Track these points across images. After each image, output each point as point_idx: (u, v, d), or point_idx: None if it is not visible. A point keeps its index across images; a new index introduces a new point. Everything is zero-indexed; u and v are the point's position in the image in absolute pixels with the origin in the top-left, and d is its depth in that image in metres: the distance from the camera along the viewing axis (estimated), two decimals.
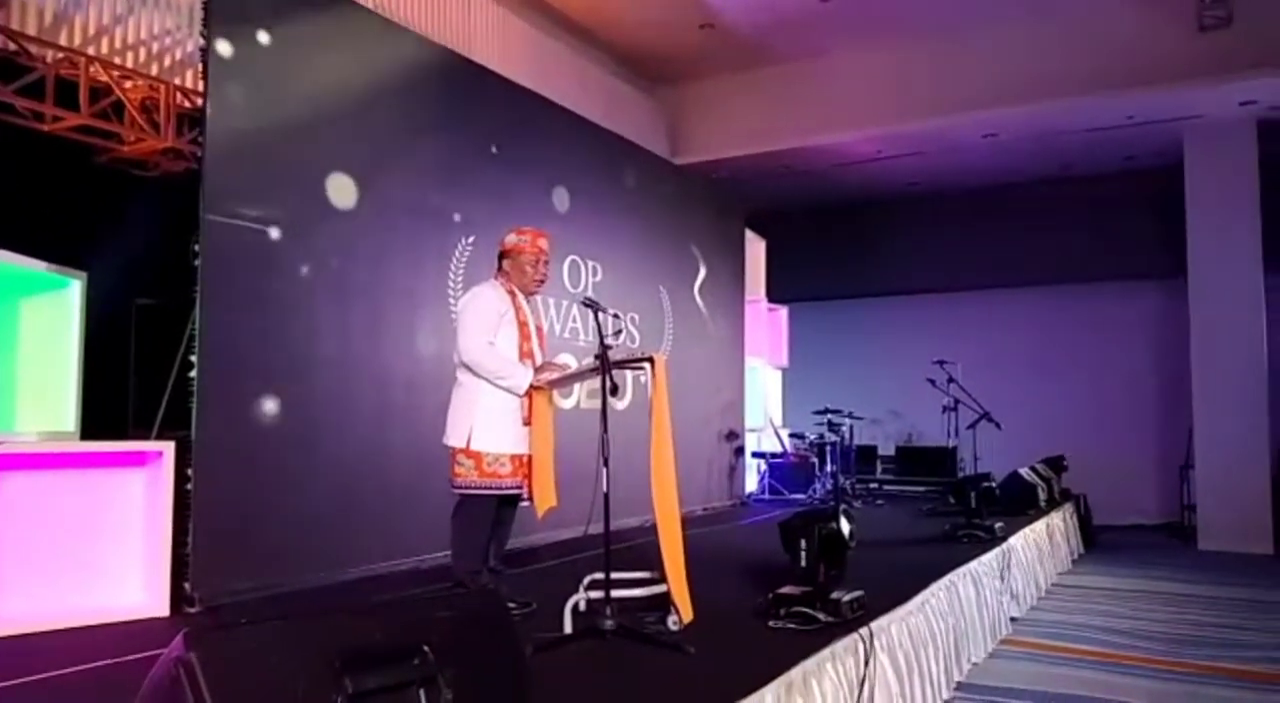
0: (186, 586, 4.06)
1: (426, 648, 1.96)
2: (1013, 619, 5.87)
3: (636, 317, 7.56)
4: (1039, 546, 7.22)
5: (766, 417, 10.92)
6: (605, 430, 3.43)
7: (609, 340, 3.47)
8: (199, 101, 4.78)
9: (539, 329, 4.10)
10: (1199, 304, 9.62)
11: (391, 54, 5.47)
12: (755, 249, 10.94)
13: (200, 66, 4.49)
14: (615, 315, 3.67)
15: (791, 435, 10.73)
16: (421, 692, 1.91)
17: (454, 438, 3.91)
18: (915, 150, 10.49)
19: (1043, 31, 9.00)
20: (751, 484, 10.12)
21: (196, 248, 4.17)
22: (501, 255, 4.11)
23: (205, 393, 4.18)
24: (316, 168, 4.86)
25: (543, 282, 4.13)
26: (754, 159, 10.44)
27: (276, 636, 1.83)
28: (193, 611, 4.03)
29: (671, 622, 3.45)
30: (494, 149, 6.10)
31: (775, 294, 11.53)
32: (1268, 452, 9.30)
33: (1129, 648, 5.30)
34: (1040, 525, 7.47)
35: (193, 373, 4.15)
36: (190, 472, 4.07)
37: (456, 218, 5.73)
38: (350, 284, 5.00)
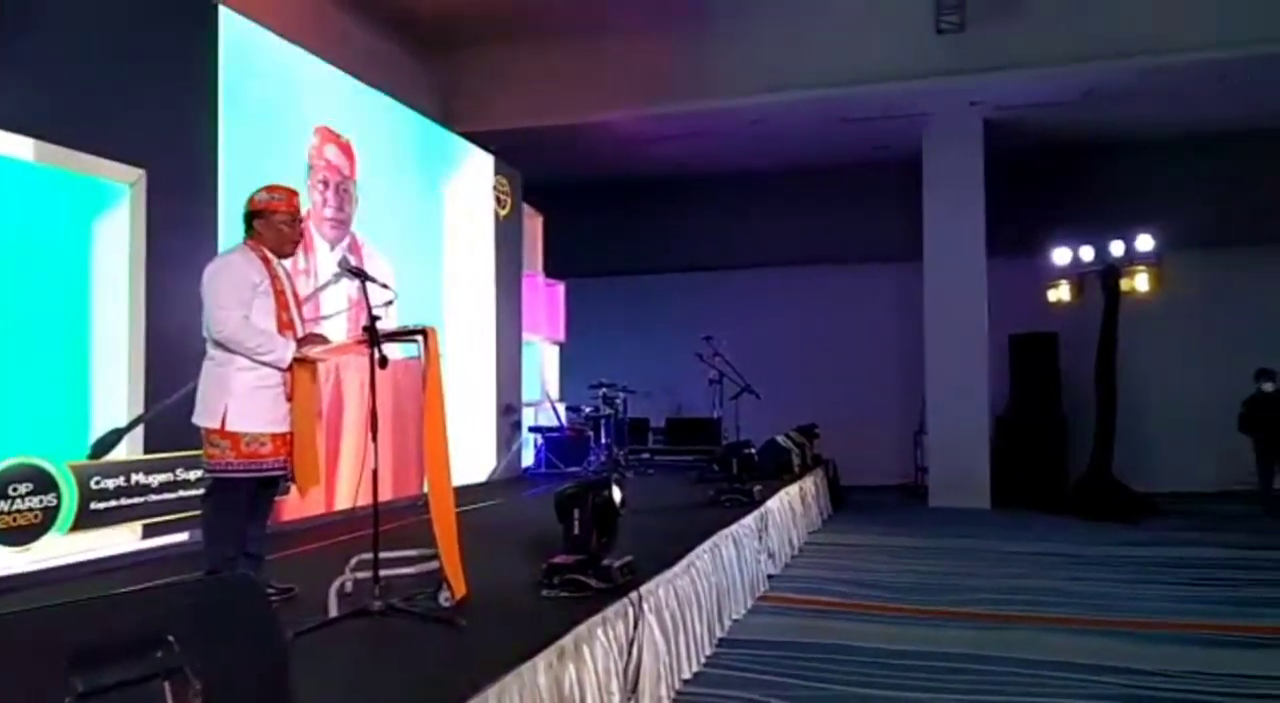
0: None
1: (171, 639, 1.82)
2: (770, 577, 6.27)
3: (410, 288, 7.36)
4: (793, 507, 7.75)
5: (544, 391, 10.98)
6: (374, 406, 3.31)
7: (378, 312, 3.34)
8: None
9: (297, 296, 3.87)
10: (932, 285, 10.63)
11: None
12: (533, 223, 10.92)
13: None
14: (385, 285, 3.54)
15: (568, 409, 10.85)
16: (166, 684, 1.77)
17: (205, 418, 3.63)
18: (687, 132, 10.85)
19: (802, 26, 9.55)
20: (529, 458, 10.15)
21: None
22: (251, 216, 3.79)
23: None
24: None
25: (298, 242, 3.89)
26: (531, 132, 10.39)
27: None
28: None
29: (443, 598, 3.40)
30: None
31: (553, 269, 11.58)
32: (987, 419, 10.47)
33: (873, 598, 5.81)
34: (795, 489, 8.02)
35: None
36: None
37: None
38: None
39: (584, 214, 12.74)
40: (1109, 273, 9.73)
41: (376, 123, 7.37)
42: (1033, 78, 9.34)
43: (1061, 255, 10.14)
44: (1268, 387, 9.33)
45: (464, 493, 7.64)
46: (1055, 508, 9.72)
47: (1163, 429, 11.21)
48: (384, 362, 3.27)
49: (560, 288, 11.65)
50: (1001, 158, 10.62)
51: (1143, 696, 3.85)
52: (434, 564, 3.45)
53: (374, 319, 3.31)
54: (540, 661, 2.84)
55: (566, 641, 3.06)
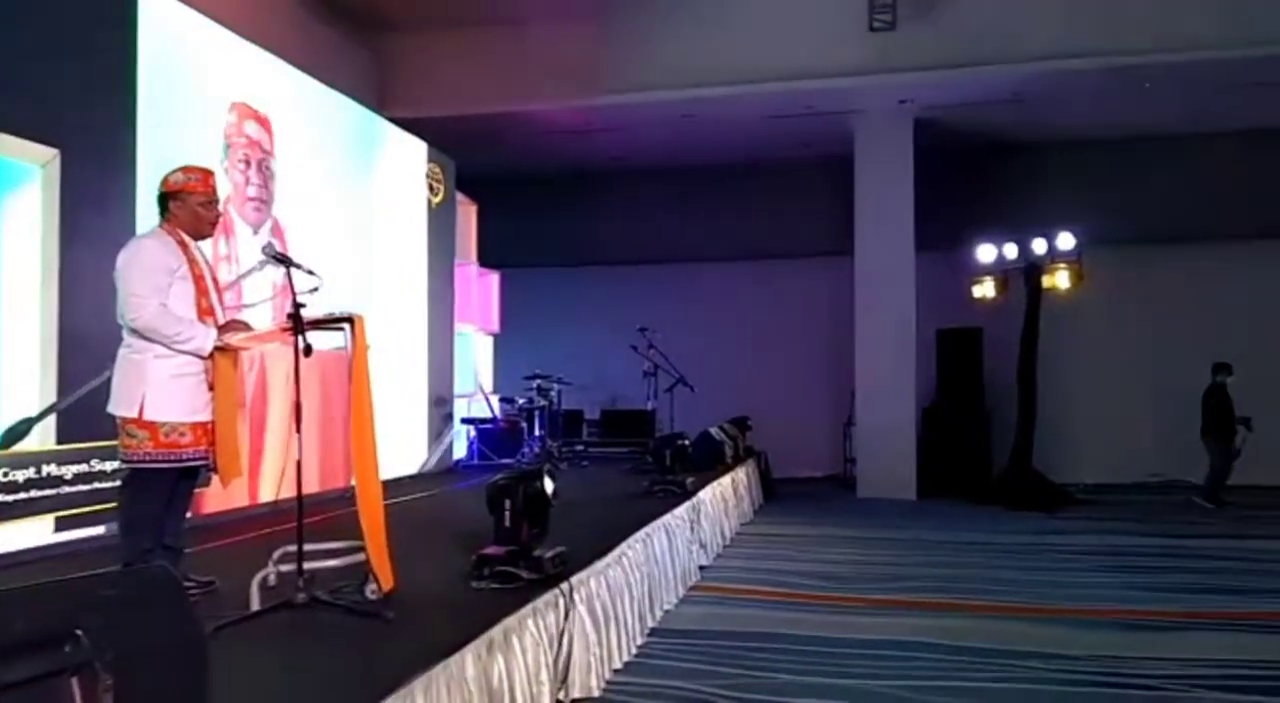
0: None
1: (80, 633, 1.75)
2: (701, 567, 6.32)
3: (337, 276, 7.20)
4: (725, 498, 7.82)
5: (477, 382, 10.88)
6: (298, 395, 3.23)
7: (302, 299, 3.26)
8: None
9: (217, 282, 3.75)
10: (862, 281, 10.80)
11: None
12: (467, 212, 10.79)
13: None
14: (310, 272, 3.45)
15: (501, 401, 10.77)
16: (74, 680, 1.71)
17: (122, 407, 3.50)
18: (619, 125, 10.83)
19: (735, 21, 9.60)
20: (461, 450, 10.05)
21: None
22: (165, 198, 3.66)
23: None
24: None
25: (216, 223, 3.77)
26: (464, 120, 10.26)
27: None
28: None
29: (370, 591, 3.34)
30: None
31: (488, 259, 11.47)
32: (914, 412, 10.70)
33: (803, 587, 5.90)
34: (727, 480, 8.09)
35: None
36: None
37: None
38: None
39: (519, 204, 12.62)
40: (1031, 270, 10.01)
41: (305, 106, 7.20)
42: (962, 78, 9.54)
43: (987, 252, 10.39)
44: (1222, 378, 9.52)
45: (394, 485, 7.56)
46: (979, 498, 9.98)
47: (1081, 423, 11.59)
48: (308, 350, 3.19)
49: (495, 278, 11.55)
50: (931, 155, 10.83)
51: (1061, 678, 3.98)
52: (360, 556, 3.39)
53: (298, 306, 3.22)
54: (468, 652, 2.81)
55: (495, 632, 3.03)
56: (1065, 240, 9.78)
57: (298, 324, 3.21)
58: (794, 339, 12.65)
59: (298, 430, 3.25)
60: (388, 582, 3.36)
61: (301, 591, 3.21)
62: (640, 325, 10.28)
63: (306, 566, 3.31)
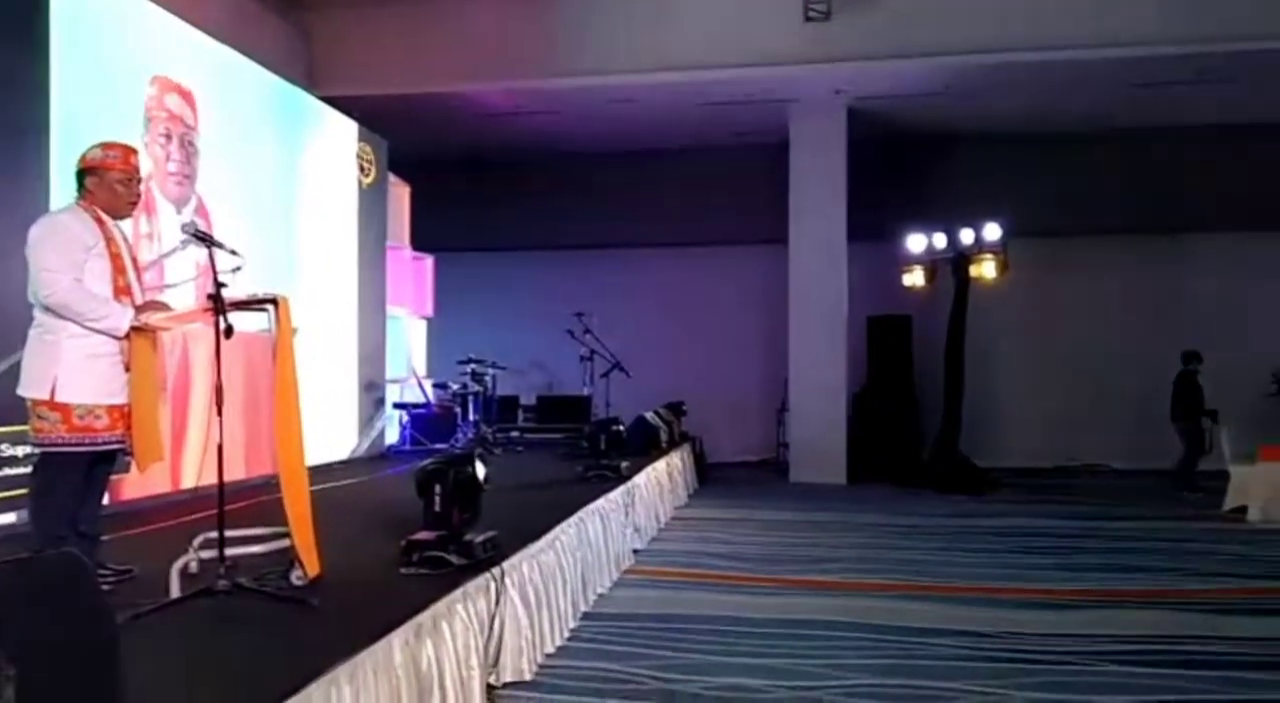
0: None
1: None
2: (635, 551, 6.36)
3: (263, 256, 7.03)
4: (660, 483, 7.87)
5: (409, 367, 10.74)
6: (219, 377, 3.15)
7: (224, 278, 3.18)
8: None
9: (136, 261, 3.63)
10: (796, 268, 10.94)
11: None
12: (400, 194, 10.61)
13: None
14: (233, 251, 3.36)
15: (435, 386, 10.65)
16: None
17: (33, 388, 3.38)
18: (552, 108, 10.76)
19: (670, 7, 9.60)
20: (393, 436, 9.92)
21: None
22: (83, 174, 3.53)
23: None
24: None
25: (135, 203, 3.65)
26: (397, 100, 10.07)
27: None
28: None
29: (295, 577, 3.29)
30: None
31: (421, 242, 11.31)
32: (845, 397, 10.89)
33: (736, 569, 5.98)
34: (662, 464, 8.14)
35: None
36: None
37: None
38: None
39: (455, 187, 12.46)
40: (959, 259, 10.25)
41: (231, 82, 6.99)
42: (894, 69, 9.70)
43: (916, 242, 10.61)
44: (1193, 366, 9.66)
45: (323, 471, 7.44)
46: (907, 482, 10.22)
47: (1005, 408, 11.93)
48: (229, 331, 3.11)
49: (428, 261, 11.39)
50: (864, 145, 11.00)
51: (975, 655, 4.11)
52: (285, 542, 3.33)
53: (219, 286, 3.14)
54: (396, 638, 2.79)
55: (424, 617, 3.01)
56: (992, 231, 10.02)
57: (219, 304, 3.13)
58: (729, 326, 12.76)
59: (219, 413, 3.17)
60: (314, 568, 3.31)
61: (224, 577, 3.14)
62: (576, 311, 10.26)
63: (229, 552, 3.24)
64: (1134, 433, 11.56)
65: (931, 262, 10.62)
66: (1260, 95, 10.33)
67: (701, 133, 11.84)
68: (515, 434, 10.77)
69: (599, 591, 5.21)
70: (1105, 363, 11.91)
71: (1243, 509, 7.86)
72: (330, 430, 8.20)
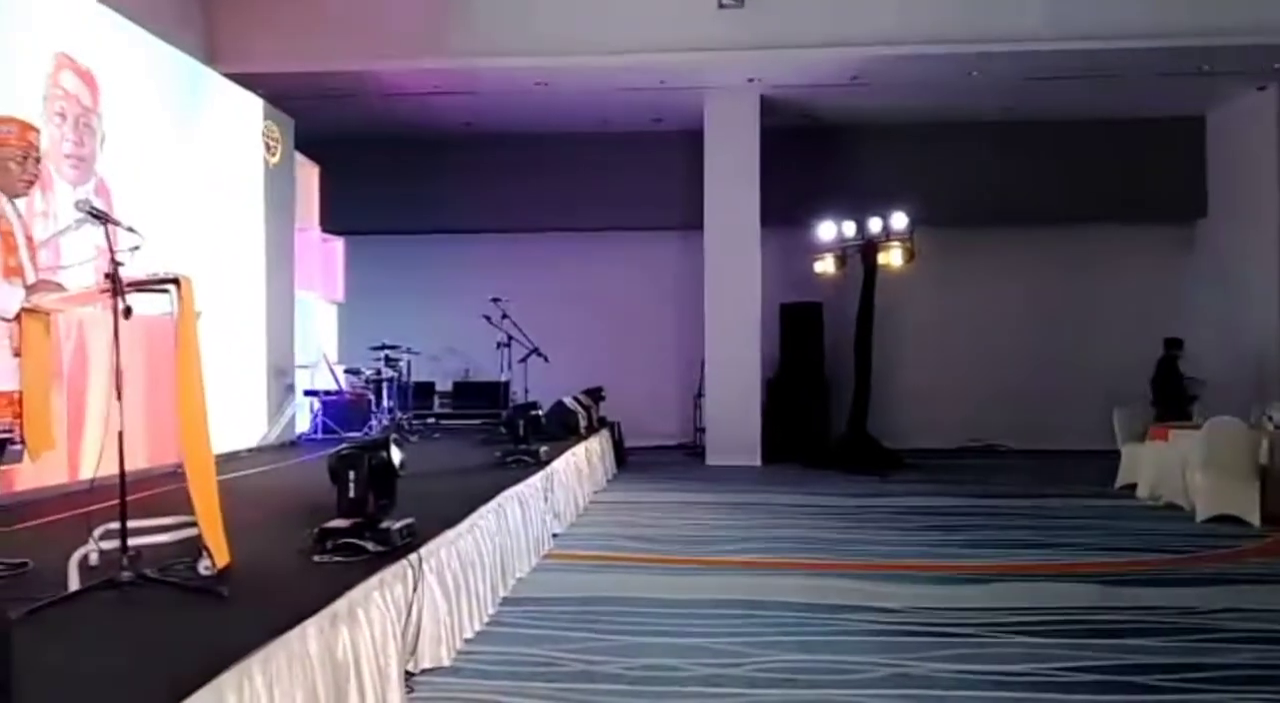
0: None
1: None
2: (555, 536, 6.36)
3: (166, 238, 6.75)
4: (579, 467, 7.88)
5: (320, 353, 10.47)
6: (118, 361, 3.02)
7: (122, 258, 3.04)
8: None
9: (31, 241, 3.45)
10: (712, 254, 11.05)
11: None
12: (308, 174, 10.32)
13: None
14: (131, 229, 3.22)
15: (347, 372, 10.41)
16: None
17: None
18: (468, 89, 10.59)
19: None
20: (304, 423, 9.67)
21: None
22: None
23: None
24: None
25: (33, 182, 3.46)
26: (305, 78, 9.77)
27: None
28: None
29: (203, 567, 3.18)
30: None
31: (332, 225, 11.02)
32: (759, 382, 11.07)
33: (653, 551, 6.03)
34: (581, 449, 8.15)
35: None
36: None
37: None
38: None
39: (367, 169, 12.15)
40: (868, 247, 10.51)
41: (132, 58, 6.67)
42: (805, 58, 9.85)
43: (827, 230, 10.82)
44: (1177, 354, 9.89)
45: (232, 459, 7.23)
46: (818, 463, 10.46)
47: (912, 392, 12.30)
48: (128, 312, 2.98)
49: (339, 244, 11.12)
50: (778, 134, 11.15)
51: (885, 629, 4.24)
52: (192, 531, 3.22)
53: (117, 265, 3.01)
54: (310, 627, 2.73)
55: (339, 605, 2.95)
56: (899, 220, 10.29)
57: (116, 285, 3.00)
58: (647, 311, 12.81)
59: (119, 399, 3.04)
60: (222, 557, 3.21)
61: (126, 569, 3.02)
62: (493, 296, 10.16)
63: (133, 542, 3.12)
64: (1032, 415, 12.09)
65: (842, 249, 10.86)
66: (1141, 92, 10.85)
67: (618, 118, 11.82)
68: (431, 420, 10.62)
69: (518, 576, 5.20)
70: (1006, 348, 12.38)
71: (1133, 487, 8.28)
72: (238, 417, 7.95)
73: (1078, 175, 12.03)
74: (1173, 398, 9.66)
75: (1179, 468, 7.44)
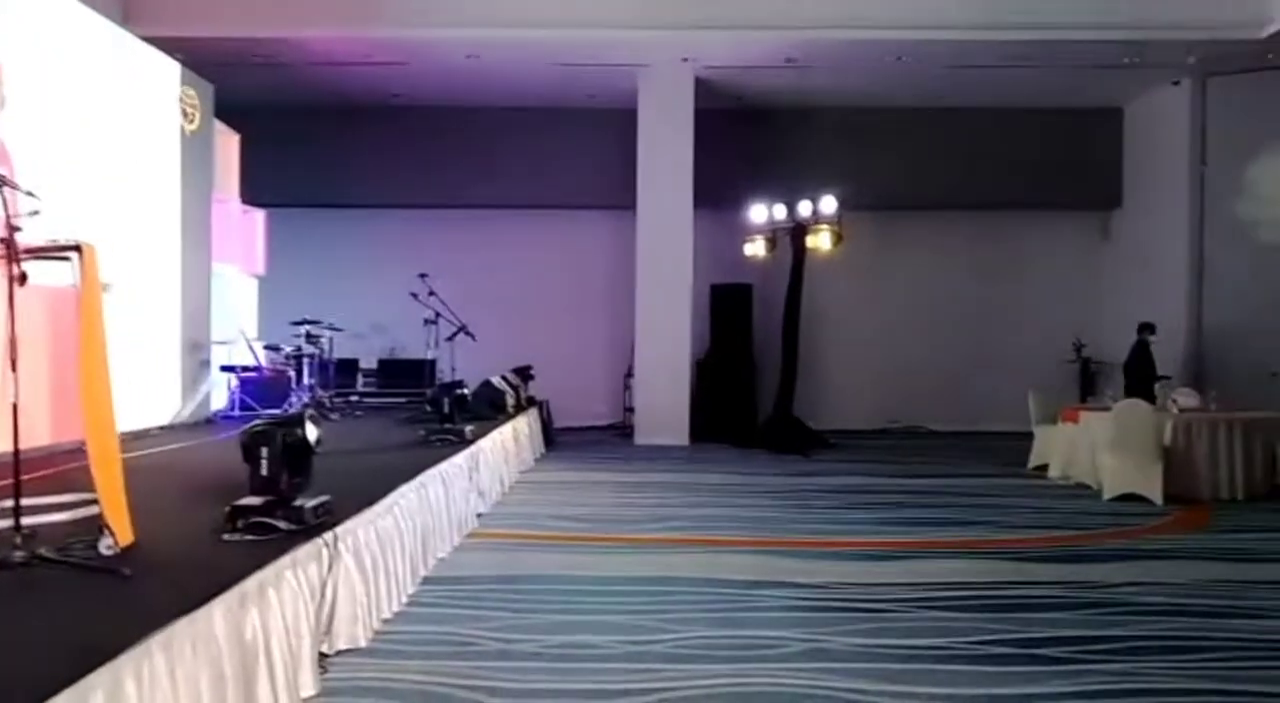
0: None
1: None
2: (479, 515, 6.30)
3: (73, 207, 6.46)
4: (506, 447, 7.82)
5: (239, 328, 10.17)
6: (13, 330, 2.88)
7: (19, 223, 2.89)
8: None
9: None
10: (645, 234, 11.04)
11: None
12: (227, 143, 9.98)
13: None
14: (29, 193, 3.07)
15: (266, 348, 10.14)
16: None
17: None
18: (398, 59, 10.36)
19: None
20: (221, 400, 9.40)
21: None
22: None
23: None
24: None
25: None
26: (226, 43, 9.44)
27: None
28: None
29: (105, 546, 3.06)
30: None
31: (251, 196, 10.69)
32: (688, 362, 11.13)
33: (577, 530, 6.03)
34: (508, 428, 8.08)
35: None
36: None
37: None
38: None
39: (291, 139, 11.82)
40: (797, 230, 10.61)
41: (39, 16, 6.32)
42: (739, 39, 9.87)
43: (758, 213, 10.90)
44: (1149, 338, 9.99)
45: (143, 437, 7.00)
46: (745, 443, 10.58)
47: (837, 374, 12.51)
48: (23, 278, 2.84)
49: (260, 216, 10.79)
50: (711, 115, 11.16)
51: (807, 605, 4.31)
52: (94, 510, 3.10)
53: (12, 230, 2.86)
54: (216, 606, 2.65)
55: (249, 585, 2.87)
56: (828, 204, 10.41)
57: (11, 250, 2.85)
58: (578, 291, 12.76)
59: (13, 369, 2.90)
60: (126, 536, 3.10)
61: (20, 548, 2.89)
62: (420, 272, 9.99)
63: (28, 521, 2.99)
64: (953, 397, 12.41)
65: (772, 232, 10.95)
66: (1064, 83, 11.14)
67: (553, 93, 11.69)
68: (355, 399, 10.42)
69: (440, 555, 5.14)
70: (929, 332, 12.68)
71: (1046, 467, 8.56)
72: (150, 394, 7.69)
73: (1002, 163, 12.32)
74: (1146, 381, 9.69)
75: (1088, 449, 7.72)
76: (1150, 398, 8.39)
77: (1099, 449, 7.50)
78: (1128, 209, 12.50)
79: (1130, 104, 12.25)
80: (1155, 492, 7.09)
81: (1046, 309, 12.50)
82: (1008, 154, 12.30)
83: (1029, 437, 9.03)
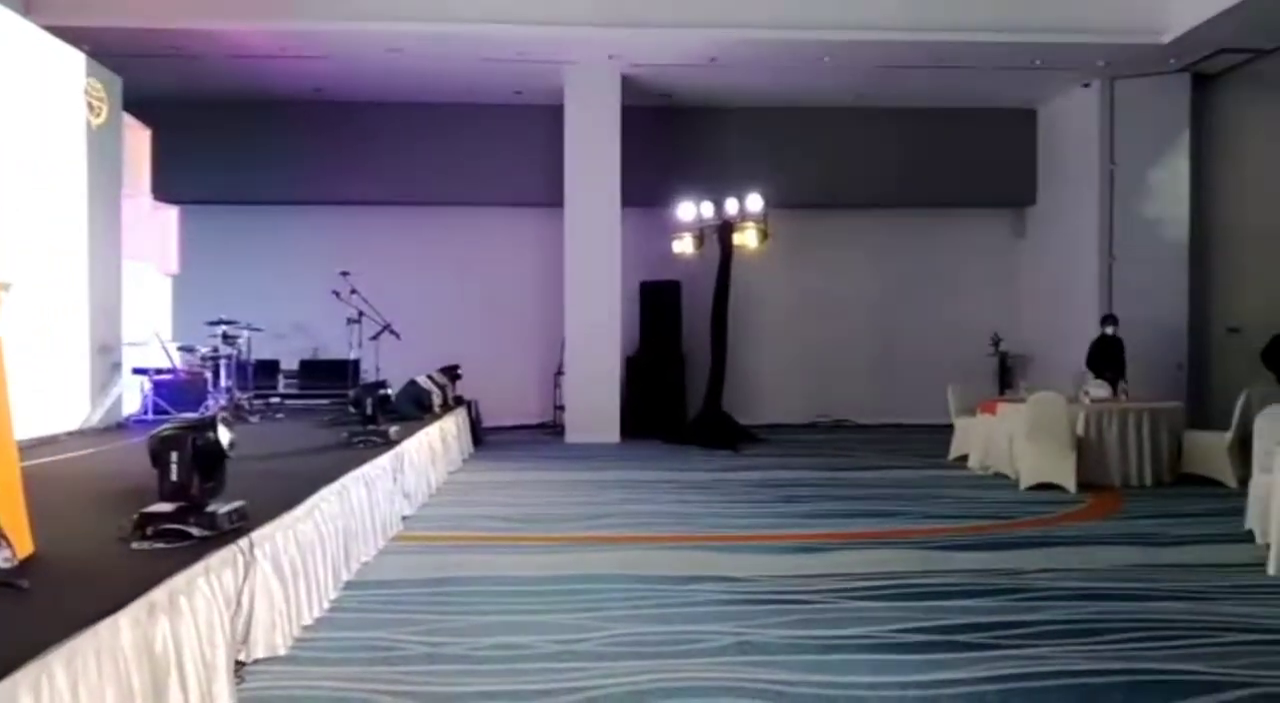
0: None
1: None
2: (405, 517, 6.20)
3: None
4: (432, 447, 7.70)
5: (152, 329, 9.81)
6: None
7: None
8: None
9: None
10: (573, 231, 11.00)
11: None
12: (138, 138, 9.62)
13: None
14: None
15: (181, 349, 9.80)
16: None
17: None
18: (318, 53, 10.12)
19: None
20: (134, 404, 9.05)
21: None
22: None
23: None
24: None
25: None
26: (137, 34, 9.10)
27: None
28: None
29: (2, 558, 2.92)
30: None
31: (165, 192, 10.33)
32: (618, 360, 11.13)
33: (506, 530, 5.97)
34: (434, 429, 7.96)
35: None
36: None
37: None
38: None
39: (205, 133, 11.46)
40: (724, 228, 10.70)
41: None
42: (664, 37, 9.89)
43: (686, 210, 10.95)
44: (1109, 330, 10.00)
45: (49, 443, 6.71)
46: (675, 439, 10.63)
47: (764, 370, 12.66)
48: None
49: (173, 213, 10.42)
50: (638, 113, 11.17)
51: (736, 599, 4.34)
52: None
53: None
54: (123, 618, 2.54)
55: (158, 594, 2.77)
56: (754, 201, 10.51)
57: None
58: (506, 289, 12.64)
59: None
60: (24, 547, 2.96)
61: None
62: (342, 269, 9.78)
63: None
64: (877, 391, 12.67)
65: (700, 229, 11.01)
66: (981, 84, 11.46)
67: (479, 89, 11.56)
68: (275, 400, 10.16)
69: (364, 559, 5.04)
70: (853, 327, 12.92)
71: (965, 458, 8.79)
72: (58, 398, 7.37)
73: (922, 161, 12.59)
74: (1101, 375, 9.67)
75: (1005, 440, 7.95)
76: (1114, 390, 8.56)
77: (1015, 440, 7.72)
78: (1041, 207, 12.90)
79: (1044, 106, 12.65)
80: (1069, 480, 7.33)
81: (965, 305, 12.84)
82: (928, 153, 12.58)
83: (950, 429, 9.26)
